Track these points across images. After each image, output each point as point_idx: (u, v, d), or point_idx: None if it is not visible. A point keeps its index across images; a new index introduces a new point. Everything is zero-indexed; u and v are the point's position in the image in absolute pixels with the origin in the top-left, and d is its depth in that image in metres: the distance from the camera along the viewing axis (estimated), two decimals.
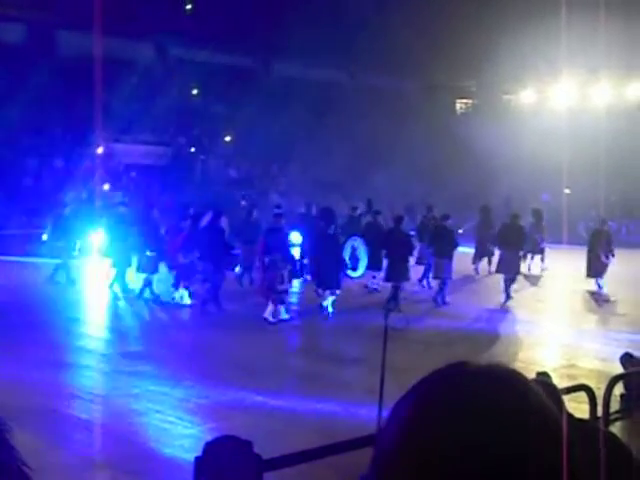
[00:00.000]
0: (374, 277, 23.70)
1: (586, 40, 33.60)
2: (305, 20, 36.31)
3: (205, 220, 21.12)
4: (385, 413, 1.33)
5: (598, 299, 24.47)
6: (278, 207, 22.99)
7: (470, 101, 53.90)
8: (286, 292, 19.62)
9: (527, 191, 39.73)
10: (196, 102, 43.06)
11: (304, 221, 25.56)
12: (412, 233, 24.30)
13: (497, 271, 23.78)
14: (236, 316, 19.56)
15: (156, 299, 21.28)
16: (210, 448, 6.14)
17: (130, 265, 22.18)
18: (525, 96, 49.45)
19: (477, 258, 28.43)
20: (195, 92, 44.10)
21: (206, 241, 19.85)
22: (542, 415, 1.25)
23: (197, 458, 6.04)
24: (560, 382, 11.62)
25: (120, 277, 22.18)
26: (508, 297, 22.64)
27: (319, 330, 18.54)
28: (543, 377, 8.55)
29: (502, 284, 22.82)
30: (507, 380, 1.29)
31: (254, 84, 41.26)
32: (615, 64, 39.32)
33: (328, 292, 19.99)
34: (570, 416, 4.11)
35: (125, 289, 22.07)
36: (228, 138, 44.41)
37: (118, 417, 11.42)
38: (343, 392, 12.38)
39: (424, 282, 24.64)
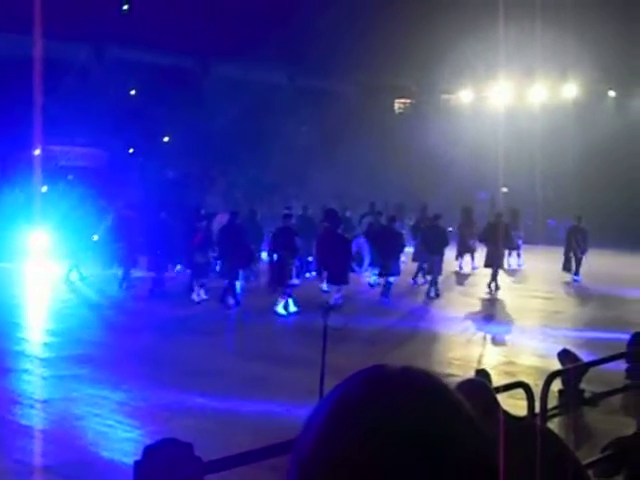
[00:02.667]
0: (375, 274, 24.98)
1: (522, 41, 34.03)
2: (243, 21, 36.31)
3: (218, 221, 23.50)
4: (311, 412, 1.33)
5: (536, 297, 24.86)
6: (288, 208, 24.24)
7: (409, 101, 54.07)
8: (294, 286, 21.17)
9: (465, 190, 40.03)
10: (134, 103, 42.73)
11: (303, 222, 25.97)
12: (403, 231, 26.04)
13: (486, 265, 25.84)
14: (180, 319, 19.53)
15: (165, 295, 22.55)
16: (150, 451, 6.11)
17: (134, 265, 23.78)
18: (463, 96, 49.81)
19: (460, 255, 29.68)
20: (133, 93, 43.77)
21: (225, 240, 21.40)
22: (459, 415, 1.26)
23: (137, 462, 6.01)
24: (498, 379, 11.72)
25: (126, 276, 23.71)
26: (497, 287, 25.09)
27: (262, 332, 18.50)
28: (481, 375, 8.64)
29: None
30: (421, 382, 1.29)
31: (192, 85, 41.10)
32: (550, 64, 39.78)
33: (336, 287, 21.31)
34: (506, 414, 4.17)
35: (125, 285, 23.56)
36: (166, 139, 44.15)
37: (57, 422, 11.32)
38: (285, 393, 12.37)
39: (418, 278, 26.21)
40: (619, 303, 24.02)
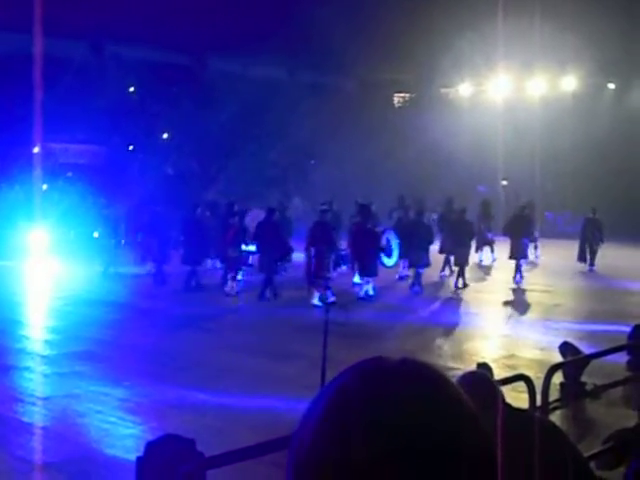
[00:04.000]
0: (404, 267, 26.10)
1: (521, 34, 34.00)
2: (242, 17, 36.27)
3: (251, 217, 24.69)
4: (310, 403, 1.33)
5: (537, 290, 24.89)
6: (323, 204, 24.87)
7: (408, 95, 53.99)
8: (330, 279, 21.98)
9: (465, 183, 40.02)
10: (133, 100, 42.71)
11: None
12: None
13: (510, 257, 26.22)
14: (184, 315, 19.54)
15: (200, 288, 23.41)
16: (152, 447, 6.12)
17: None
18: (462, 89, 49.77)
19: (479, 248, 29.66)
20: (132, 90, 43.74)
21: (263, 235, 22.40)
22: (457, 407, 1.26)
23: (139, 458, 6.02)
24: (500, 372, 11.73)
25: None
26: (521, 277, 25.61)
27: (261, 326, 18.50)
28: (483, 368, 8.65)
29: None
30: (419, 374, 1.29)
31: (191, 81, 41.08)
32: (549, 57, 39.76)
33: (365, 280, 22.61)
34: (508, 406, 4.17)
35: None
36: (165, 136, 44.12)
37: (59, 419, 11.32)
38: (287, 388, 12.36)
39: (446, 270, 26.78)
40: (619, 295, 24.02)
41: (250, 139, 40.43)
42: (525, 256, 26.58)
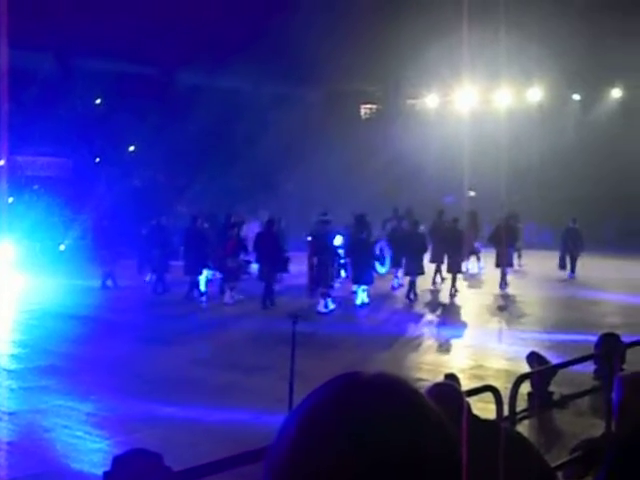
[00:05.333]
0: (396, 275, 27.00)
1: (487, 45, 34.10)
2: (208, 29, 36.19)
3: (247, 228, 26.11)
4: (286, 418, 1.33)
5: (507, 300, 25.05)
6: (324, 214, 25.24)
7: (375, 106, 54.09)
8: (333, 287, 23.13)
9: (432, 194, 40.12)
10: (100, 112, 42.51)
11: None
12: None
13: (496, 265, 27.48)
14: (152, 328, 19.45)
15: (202, 297, 24.30)
16: (119, 462, 6.08)
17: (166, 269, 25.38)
18: (429, 101, 49.94)
19: (466, 257, 29.95)
20: (98, 102, 43.55)
21: (262, 246, 23.17)
22: (427, 420, 1.27)
23: (106, 472, 5.98)
24: (468, 383, 11.77)
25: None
26: (506, 284, 26.96)
27: (229, 340, 18.46)
28: (451, 379, 8.66)
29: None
30: (393, 389, 1.30)
31: (158, 94, 40.95)
32: (515, 69, 39.97)
33: (360, 287, 23.43)
34: (475, 417, 4.17)
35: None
36: (132, 148, 43.96)
37: (26, 434, 11.23)
38: (254, 401, 12.34)
39: (437, 278, 27.57)
40: (588, 305, 24.20)
41: (217, 151, 40.36)
42: (510, 264, 27.95)
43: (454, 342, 18.81)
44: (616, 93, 44.62)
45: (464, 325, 21.24)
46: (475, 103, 45.74)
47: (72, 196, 35.13)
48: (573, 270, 30.54)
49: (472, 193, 39.57)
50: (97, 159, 42.12)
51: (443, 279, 27.21)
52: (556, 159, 40.55)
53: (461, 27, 30.46)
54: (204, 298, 24.26)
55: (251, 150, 40.58)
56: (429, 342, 18.74)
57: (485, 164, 38.41)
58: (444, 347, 18.20)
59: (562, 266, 30.91)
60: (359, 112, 54.14)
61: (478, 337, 19.29)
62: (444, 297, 25.60)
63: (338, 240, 26.10)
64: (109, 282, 26.05)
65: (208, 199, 36.79)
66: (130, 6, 36.79)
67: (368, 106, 54.33)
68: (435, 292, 26.66)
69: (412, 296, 24.52)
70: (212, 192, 38.43)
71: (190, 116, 38.54)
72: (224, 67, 39.86)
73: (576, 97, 46.24)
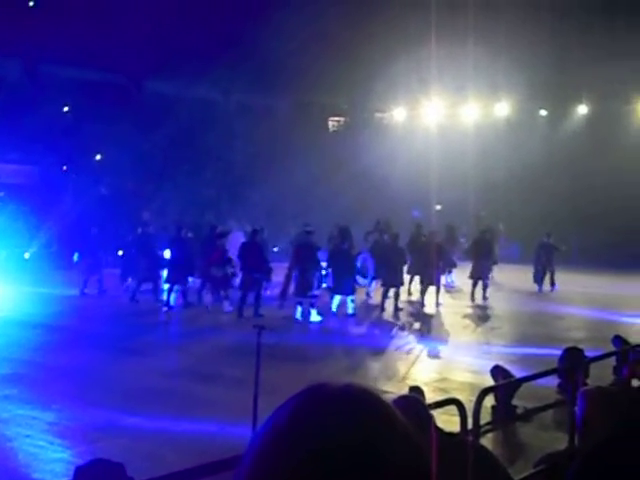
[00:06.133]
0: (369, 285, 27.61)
1: (455, 60, 34.33)
2: (177, 38, 36.15)
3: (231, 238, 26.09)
4: (257, 430, 1.33)
5: (473, 313, 25.20)
6: (307, 226, 25.46)
7: (343, 119, 54.17)
8: (317, 297, 23.54)
9: (399, 207, 40.18)
10: (67, 119, 42.28)
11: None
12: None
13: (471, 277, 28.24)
14: (116, 337, 19.31)
15: (187, 305, 24.56)
16: (81, 472, 6.03)
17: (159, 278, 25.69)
18: (397, 114, 50.09)
19: (443, 271, 30.12)
20: (66, 110, 43.32)
21: (246, 255, 23.43)
22: (393, 429, 1.27)
23: None
24: (432, 396, 11.77)
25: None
26: (485, 297, 27.71)
27: (200, 350, 18.37)
28: (415, 392, 8.66)
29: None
30: (360, 399, 1.30)
31: (126, 102, 40.83)
32: (482, 83, 40.20)
33: (341, 297, 23.97)
34: (439, 430, 4.17)
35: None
36: (98, 157, 43.75)
37: None
38: (218, 412, 12.29)
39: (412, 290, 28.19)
40: (552, 319, 24.32)
41: (185, 160, 40.29)
42: (487, 277, 28.35)
43: (420, 354, 18.83)
44: (582, 109, 44.93)
45: (432, 338, 21.26)
46: (442, 117, 45.96)
47: (38, 204, 34.91)
48: (553, 283, 31.28)
49: (438, 207, 39.71)
50: (64, 167, 41.86)
51: (412, 293, 27.83)
52: (523, 174, 40.81)
53: (429, 41, 30.73)
54: (165, 308, 24.14)
55: (219, 159, 40.57)
56: (395, 354, 18.75)
57: (452, 178, 38.66)
58: (410, 359, 18.21)
59: (537, 280, 31.33)
60: (327, 124, 54.18)
61: (444, 350, 19.34)
62: (419, 310, 25.74)
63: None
64: (87, 290, 26.02)
65: (175, 208, 36.71)
66: (98, 14, 36.69)
67: (336, 119, 54.40)
68: (411, 304, 26.88)
69: (399, 306, 25.03)
70: (179, 201, 38.35)
71: (158, 124, 38.46)
72: (192, 76, 39.83)
73: (543, 112, 46.51)
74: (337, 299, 24.10)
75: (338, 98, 49.49)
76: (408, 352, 18.95)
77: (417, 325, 23.18)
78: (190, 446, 10.44)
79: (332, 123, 54.60)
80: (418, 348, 19.50)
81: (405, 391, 9.31)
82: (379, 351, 18.94)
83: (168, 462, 8.97)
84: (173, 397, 13.55)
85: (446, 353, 18.93)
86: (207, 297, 25.26)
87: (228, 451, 6.61)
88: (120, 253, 28.09)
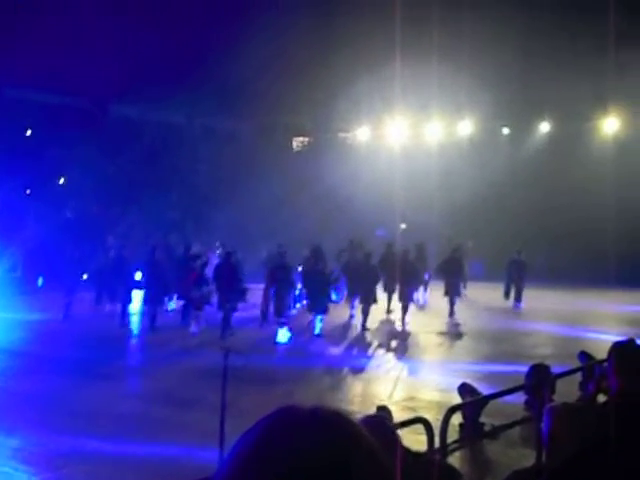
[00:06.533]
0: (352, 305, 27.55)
1: (418, 79, 34.46)
2: (141, 62, 36.10)
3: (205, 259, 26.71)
4: (226, 454, 1.32)
5: (442, 331, 25.36)
6: (282, 246, 25.84)
7: (307, 139, 54.19)
8: (289, 317, 24.24)
9: (363, 227, 40.22)
10: (30, 143, 42.06)
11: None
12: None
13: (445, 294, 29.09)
14: (80, 361, 19.12)
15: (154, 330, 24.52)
16: None
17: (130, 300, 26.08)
18: (360, 134, 50.18)
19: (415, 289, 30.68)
20: (29, 134, 43.09)
21: (221, 276, 23.85)
22: (359, 447, 1.27)
23: None
24: (400, 415, 11.78)
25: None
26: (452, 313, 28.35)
27: (160, 373, 18.25)
28: (382, 411, 8.65)
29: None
30: (329, 420, 1.29)
31: (90, 125, 40.69)
32: (445, 102, 40.37)
33: (317, 317, 24.19)
34: (406, 450, 4.15)
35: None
36: (62, 180, 43.53)
37: None
38: (184, 435, 12.22)
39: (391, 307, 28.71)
40: (518, 336, 24.44)
41: (149, 183, 40.19)
42: (459, 294, 29.00)
43: (388, 373, 18.85)
44: (545, 127, 45.20)
45: (400, 356, 21.33)
46: (406, 136, 46.09)
47: (1, 228, 34.64)
48: (519, 299, 31.84)
49: (403, 226, 39.81)
50: (28, 191, 41.63)
51: (391, 311, 28.26)
52: (486, 193, 40.98)
53: (393, 60, 30.81)
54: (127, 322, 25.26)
55: (183, 182, 40.53)
56: (364, 374, 18.76)
57: (417, 197, 38.75)
58: (378, 379, 18.23)
59: (507, 296, 31.93)
60: (291, 145, 54.20)
61: (412, 368, 19.37)
62: (392, 328, 26.18)
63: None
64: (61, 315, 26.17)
65: (140, 231, 36.58)
66: (61, 37, 36.54)
67: (300, 139, 54.39)
68: (386, 323, 27.26)
69: (367, 325, 25.45)
70: (144, 224, 38.23)
71: (122, 148, 38.39)
72: (156, 100, 39.79)
73: (506, 131, 46.76)
74: (315, 318, 24.38)
75: (302, 118, 49.52)
76: (376, 372, 18.96)
77: (387, 344, 23.21)
78: (155, 471, 10.37)
79: (296, 143, 54.61)
80: (386, 367, 19.53)
81: (373, 411, 9.30)
82: (348, 371, 18.97)
83: None
84: (138, 422, 13.45)
85: (414, 371, 18.98)
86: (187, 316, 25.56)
87: (194, 475, 6.57)
88: (85, 277, 27.94)
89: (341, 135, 51.99)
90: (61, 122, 39.92)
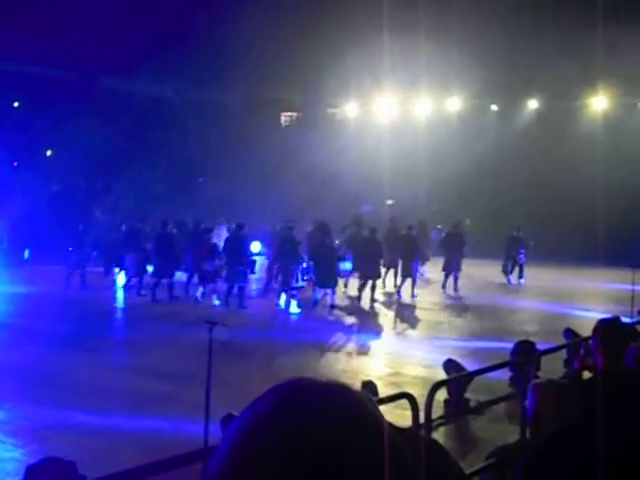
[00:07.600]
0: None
1: (407, 54, 34.41)
2: (129, 34, 35.92)
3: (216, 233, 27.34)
4: (211, 427, 1.31)
5: (424, 307, 25.41)
6: (290, 221, 26.37)
7: (295, 114, 54.07)
8: (298, 289, 24.54)
9: (351, 202, 40.21)
10: (17, 115, 41.90)
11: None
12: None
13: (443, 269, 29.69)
14: (68, 334, 19.07)
15: (173, 299, 25.21)
16: (32, 471, 5.98)
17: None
18: (349, 109, 50.10)
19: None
20: (16, 105, 42.91)
21: (230, 249, 24.48)
22: (376, 427, 1.25)
23: None
24: (385, 390, 11.83)
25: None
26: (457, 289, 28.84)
27: (149, 345, 18.23)
28: (368, 386, 8.67)
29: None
30: (339, 395, 1.28)
31: (78, 97, 40.50)
32: (434, 78, 40.32)
33: (323, 291, 24.72)
34: (390, 425, 4.17)
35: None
36: (49, 153, 43.39)
37: None
38: (170, 408, 12.24)
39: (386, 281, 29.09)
40: (505, 313, 24.52)
41: (136, 156, 40.05)
42: (459, 269, 29.26)
43: (373, 349, 18.90)
44: (533, 104, 45.14)
45: (386, 332, 21.39)
46: (395, 112, 46.03)
47: None
48: (521, 276, 32.25)
49: (390, 201, 39.81)
50: (15, 163, 41.49)
51: (397, 286, 28.38)
52: (475, 169, 40.94)
53: (381, 36, 30.78)
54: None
55: (171, 155, 40.41)
56: (350, 349, 18.81)
57: (404, 173, 38.73)
58: (364, 353, 18.28)
59: (504, 272, 32.24)
60: (279, 119, 54.08)
61: (398, 344, 19.42)
62: (386, 303, 26.65)
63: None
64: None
65: (128, 204, 36.54)
66: (50, 9, 36.35)
67: (288, 114, 54.28)
68: (387, 297, 27.76)
69: (375, 297, 25.84)
70: (131, 197, 38.16)
71: (110, 121, 38.22)
72: (144, 72, 39.58)
73: (494, 107, 46.68)
74: (319, 292, 24.73)
75: (290, 93, 49.39)
76: (362, 347, 19.00)
77: (376, 319, 23.31)
78: (142, 443, 10.39)
79: (285, 118, 54.50)
80: (372, 343, 19.56)
81: (358, 386, 9.33)
82: (334, 347, 18.97)
83: (120, 459, 8.91)
84: (125, 393, 13.47)
85: (400, 347, 19.00)
86: (194, 290, 25.62)
87: (180, 448, 6.61)
88: (70, 249, 27.91)
89: (330, 111, 51.87)
90: (49, 94, 39.74)
